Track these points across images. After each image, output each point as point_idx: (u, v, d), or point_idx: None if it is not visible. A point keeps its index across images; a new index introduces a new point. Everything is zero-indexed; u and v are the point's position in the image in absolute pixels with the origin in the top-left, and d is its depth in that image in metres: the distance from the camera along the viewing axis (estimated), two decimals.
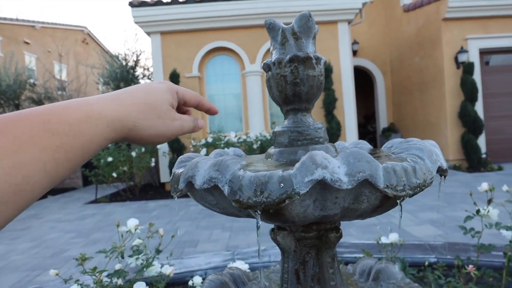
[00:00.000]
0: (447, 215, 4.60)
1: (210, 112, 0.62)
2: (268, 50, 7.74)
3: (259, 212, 0.58)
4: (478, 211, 1.84)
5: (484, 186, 1.92)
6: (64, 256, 3.85)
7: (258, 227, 0.59)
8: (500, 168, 7.63)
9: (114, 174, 6.72)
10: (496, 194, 1.83)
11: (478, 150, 7.76)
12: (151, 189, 7.92)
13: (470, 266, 1.76)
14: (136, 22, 7.31)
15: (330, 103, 7.39)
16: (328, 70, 7.42)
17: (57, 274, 1.87)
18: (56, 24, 12.93)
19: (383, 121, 10.91)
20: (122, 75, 7.71)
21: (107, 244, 3.96)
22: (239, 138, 6.84)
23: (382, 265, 1.24)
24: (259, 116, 7.54)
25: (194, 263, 2.72)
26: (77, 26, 13.97)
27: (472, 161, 7.79)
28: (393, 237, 1.99)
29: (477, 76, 8.01)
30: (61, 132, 0.36)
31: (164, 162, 7.44)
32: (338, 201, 0.62)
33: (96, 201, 6.87)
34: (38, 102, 8.79)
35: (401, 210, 0.64)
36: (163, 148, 7.38)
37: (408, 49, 9.57)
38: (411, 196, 0.62)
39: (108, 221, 5.29)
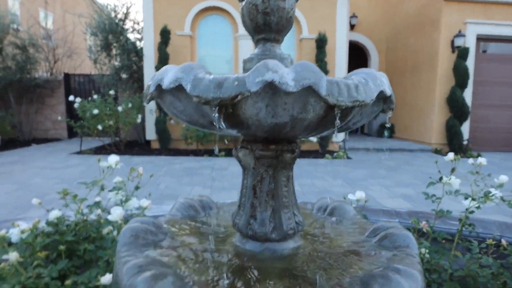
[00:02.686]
0: (419, 191, 4.80)
1: None
2: None
3: (216, 107, 0.67)
4: (441, 178, 1.97)
5: (450, 156, 2.05)
6: (47, 198, 3.95)
7: (218, 126, 0.69)
8: (479, 155, 7.88)
9: (100, 127, 6.73)
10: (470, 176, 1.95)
11: (460, 136, 7.97)
12: (136, 145, 7.97)
13: (423, 222, 1.92)
14: None
15: None
16: (323, 41, 7.39)
17: (39, 203, 1.95)
18: None
19: None
20: (111, 27, 7.52)
21: (90, 191, 4.06)
22: None
23: (337, 203, 1.37)
24: None
25: (169, 208, 2.85)
26: None
27: (454, 146, 8.03)
28: (359, 195, 2.12)
29: (470, 62, 8.09)
30: None
31: (150, 119, 7.46)
32: (288, 108, 0.71)
33: (80, 152, 6.90)
34: (22, 48, 8.58)
35: (337, 125, 0.73)
36: (150, 105, 7.37)
37: (406, 28, 9.54)
38: (350, 109, 0.72)
39: (92, 172, 5.37)
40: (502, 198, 1.99)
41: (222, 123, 0.75)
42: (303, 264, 0.96)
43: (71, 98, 6.94)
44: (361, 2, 10.11)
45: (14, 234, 1.60)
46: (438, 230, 2.15)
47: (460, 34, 7.90)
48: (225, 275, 0.86)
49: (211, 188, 4.56)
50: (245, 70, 0.97)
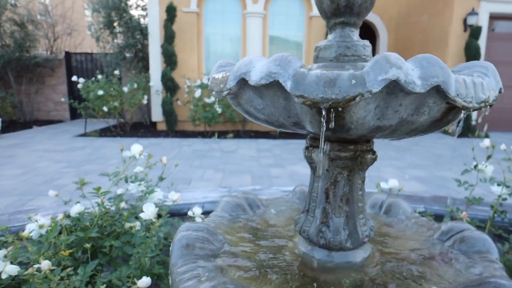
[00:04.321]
0: (433, 174, 4.74)
1: None
2: None
3: (325, 109, 0.55)
4: (476, 166, 1.89)
5: (486, 142, 1.96)
6: (56, 184, 3.86)
7: (325, 121, 0.57)
8: (487, 136, 7.81)
9: (105, 108, 6.57)
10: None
11: (469, 116, 7.87)
12: (142, 127, 7.83)
13: (464, 213, 1.84)
14: None
15: None
16: None
17: (56, 195, 1.84)
18: None
19: None
20: (114, 3, 7.21)
21: (99, 176, 3.97)
22: None
23: (393, 199, 1.28)
24: None
25: (191, 196, 2.76)
26: None
27: (462, 127, 7.95)
28: (392, 183, 2.04)
29: (482, 41, 7.91)
30: None
31: (156, 100, 7.27)
32: (400, 110, 0.60)
33: (85, 134, 6.77)
34: (21, 25, 8.28)
35: (460, 123, 0.63)
36: (156, 86, 7.18)
37: (419, 5, 9.26)
38: (475, 109, 0.61)
39: (99, 154, 5.27)
40: None
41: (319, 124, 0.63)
42: (381, 274, 0.87)
43: (74, 78, 6.75)
44: None
45: (35, 231, 1.51)
46: (470, 217, 2.11)
47: (473, 12, 7.67)
48: None
49: (223, 171, 4.48)
50: (319, 58, 0.85)
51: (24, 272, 1.24)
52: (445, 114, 0.62)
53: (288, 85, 0.57)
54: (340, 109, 0.57)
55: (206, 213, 1.78)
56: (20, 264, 1.34)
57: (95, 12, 7.55)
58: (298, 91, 0.56)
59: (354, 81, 0.53)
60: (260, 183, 4.03)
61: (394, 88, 0.56)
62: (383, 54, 0.55)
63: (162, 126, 7.40)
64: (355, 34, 0.84)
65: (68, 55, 8.94)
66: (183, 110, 7.20)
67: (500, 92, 0.68)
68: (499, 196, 1.91)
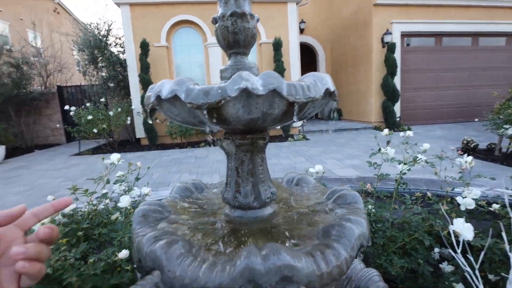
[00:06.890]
0: (364, 161, 5.06)
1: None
2: None
3: (205, 110, 0.74)
4: (379, 149, 2.12)
5: (385, 131, 2.20)
6: (55, 196, 3.82)
7: (207, 124, 0.75)
8: (409, 129, 8.36)
9: (95, 130, 6.52)
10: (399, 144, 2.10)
11: (394, 114, 8.39)
12: (128, 143, 7.79)
13: (368, 184, 2.07)
14: None
15: (279, 73, 7.53)
16: (279, 44, 7.47)
17: (54, 199, 1.92)
18: None
19: None
20: (96, 43, 7.21)
21: (93, 186, 3.97)
22: None
23: (301, 175, 1.48)
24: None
25: (166, 193, 2.88)
26: None
27: (389, 123, 8.45)
28: (318, 168, 2.24)
29: (397, 55, 8.46)
30: None
31: (138, 120, 7.29)
32: (259, 107, 0.79)
33: (80, 153, 6.67)
34: (16, 66, 8.07)
35: (296, 116, 0.82)
36: (137, 108, 7.20)
37: (345, 29, 9.79)
38: (305, 104, 0.81)
39: (93, 169, 5.24)
40: (426, 161, 2.17)
41: (210, 121, 0.82)
42: (278, 223, 1.06)
43: (66, 107, 6.66)
44: (308, 10, 10.23)
45: (36, 226, 1.60)
46: (380, 190, 2.29)
47: (388, 32, 8.22)
48: (221, 237, 0.95)
49: (197, 173, 4.60)
50: (222, 78, 1.04)
51: None
52: (288, 107, 0.81)
53: (182, 96, 0.75)
54: (216, 109, 0.76)
55: None
56: None
57: (80, 51, 7.48)
58: (188, 100, 0.74)
59: (220, 91, 0.72)
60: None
61: (249, 93, 0.75)
62: (238, 72, 0.74)
63: (145, 141, 7.41)
64: (245, 59, 1.04)
65: (60, 88, 8.76)
66: (161, 126, 7.25)
67: (328, 91, 0.89)
68: (400, 171, 2.12)
